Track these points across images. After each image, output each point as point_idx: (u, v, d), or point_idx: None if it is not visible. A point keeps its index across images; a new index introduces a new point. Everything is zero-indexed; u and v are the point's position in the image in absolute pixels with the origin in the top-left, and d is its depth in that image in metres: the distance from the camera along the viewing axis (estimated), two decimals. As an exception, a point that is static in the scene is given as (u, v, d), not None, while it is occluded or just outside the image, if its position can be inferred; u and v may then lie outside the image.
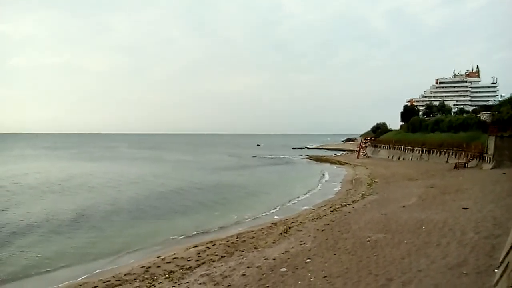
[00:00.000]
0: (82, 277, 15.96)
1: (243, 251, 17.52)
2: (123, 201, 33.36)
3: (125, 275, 15.58)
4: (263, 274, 13.70)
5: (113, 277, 15.44)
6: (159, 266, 16.42)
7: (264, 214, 27.88)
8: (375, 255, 13.94)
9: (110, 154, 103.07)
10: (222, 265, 15.62)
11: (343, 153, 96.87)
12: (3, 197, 34.44)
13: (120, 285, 14.41)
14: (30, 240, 21.63)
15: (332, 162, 70.36)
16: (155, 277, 14.95)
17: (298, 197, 34.82)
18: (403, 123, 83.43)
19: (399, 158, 63.82)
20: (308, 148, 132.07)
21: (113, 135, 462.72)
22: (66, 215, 27.60)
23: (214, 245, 19.34)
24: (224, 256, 17.03)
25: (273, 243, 18.45)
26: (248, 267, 14.90)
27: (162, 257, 17.87)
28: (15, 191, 37.85)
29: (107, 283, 14.72)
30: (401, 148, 65.77)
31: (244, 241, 19.65)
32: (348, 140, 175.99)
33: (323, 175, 51.47)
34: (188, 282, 13.86)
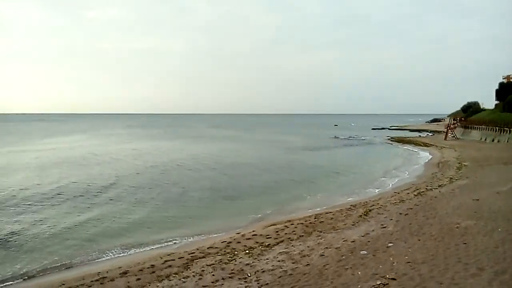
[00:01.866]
0: (171, 248, 17.18)
1: (321, 232, 17.44)
2: (207, 179, 34.82)
3: (208, 248, 16.39)
4: (342, 256, 13.55)
5: (197, 249, 16.33)
6: (239, 242, 16.98)
7: (343, 195, 27.41)
8: (464, 243, 13.06)
9: (195, 134, 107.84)
10: (300, 244, 15.71)
11: (428, 134, 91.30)
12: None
13: (203, 257, 15.19)
14: (136, 210, 23.59)
15: (416, 143, 66.69)
16: (235, 252, 15.50)
17: (378, 179, 33.67)
18: (498, 102, 76.14)
19: (493, 140, 58.56)
20: (389, 129, 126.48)
21: (191, 115, 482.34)
22: (170, 190, 29.65)
23: (292, 224, 19.49)
24: (302, 236, 17.10)
25: (352, 225, 18.11)
26: (326, 247, 14.81)
27: (242, 234, 18.46)
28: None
29: (192, 254, 15.62)
30: (496, 129, 60.18)
31: (322, 221, 19.53)
32: (435, 120, 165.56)
33: (406, 157, 49.10)
34: (267, 259, 14.18)
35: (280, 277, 12.24)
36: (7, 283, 14.17)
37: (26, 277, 14.63)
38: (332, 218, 20.12)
